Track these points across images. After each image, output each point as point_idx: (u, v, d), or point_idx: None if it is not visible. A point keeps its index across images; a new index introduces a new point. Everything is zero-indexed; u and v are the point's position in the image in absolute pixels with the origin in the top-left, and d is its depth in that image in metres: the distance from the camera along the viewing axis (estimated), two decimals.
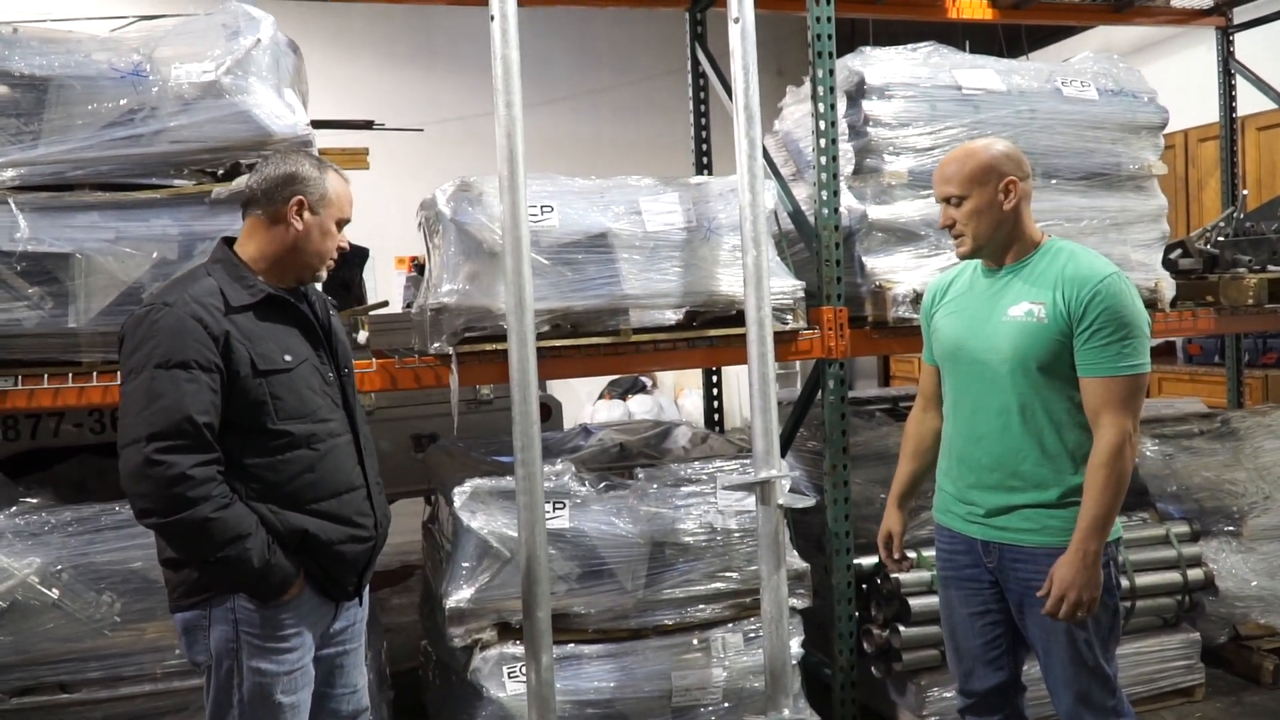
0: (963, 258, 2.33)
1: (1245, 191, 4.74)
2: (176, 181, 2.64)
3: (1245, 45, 4.96)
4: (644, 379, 9.50)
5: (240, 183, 2.45)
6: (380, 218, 5.97)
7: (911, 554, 2.58)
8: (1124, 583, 3.22)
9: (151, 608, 2.64)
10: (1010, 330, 2.20)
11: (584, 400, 9.49)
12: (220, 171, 2.66)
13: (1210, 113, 5.09)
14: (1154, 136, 3.60)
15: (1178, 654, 3.45)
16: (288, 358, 2.01)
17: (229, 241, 2.11)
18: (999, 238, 2.25)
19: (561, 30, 9.41)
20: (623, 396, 9.34)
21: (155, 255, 2.58)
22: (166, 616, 2.32)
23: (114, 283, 2.57)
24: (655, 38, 8.55)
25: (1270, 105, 4.91)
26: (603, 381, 9.38)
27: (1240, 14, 4.90)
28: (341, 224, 2.13)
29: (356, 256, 5.65)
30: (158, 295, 2.01)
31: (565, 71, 9.48)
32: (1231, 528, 3.73)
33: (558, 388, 7.49)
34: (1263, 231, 3.84)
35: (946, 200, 2.26)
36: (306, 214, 2.06)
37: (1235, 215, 3.99)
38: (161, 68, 2.60)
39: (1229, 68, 4.90)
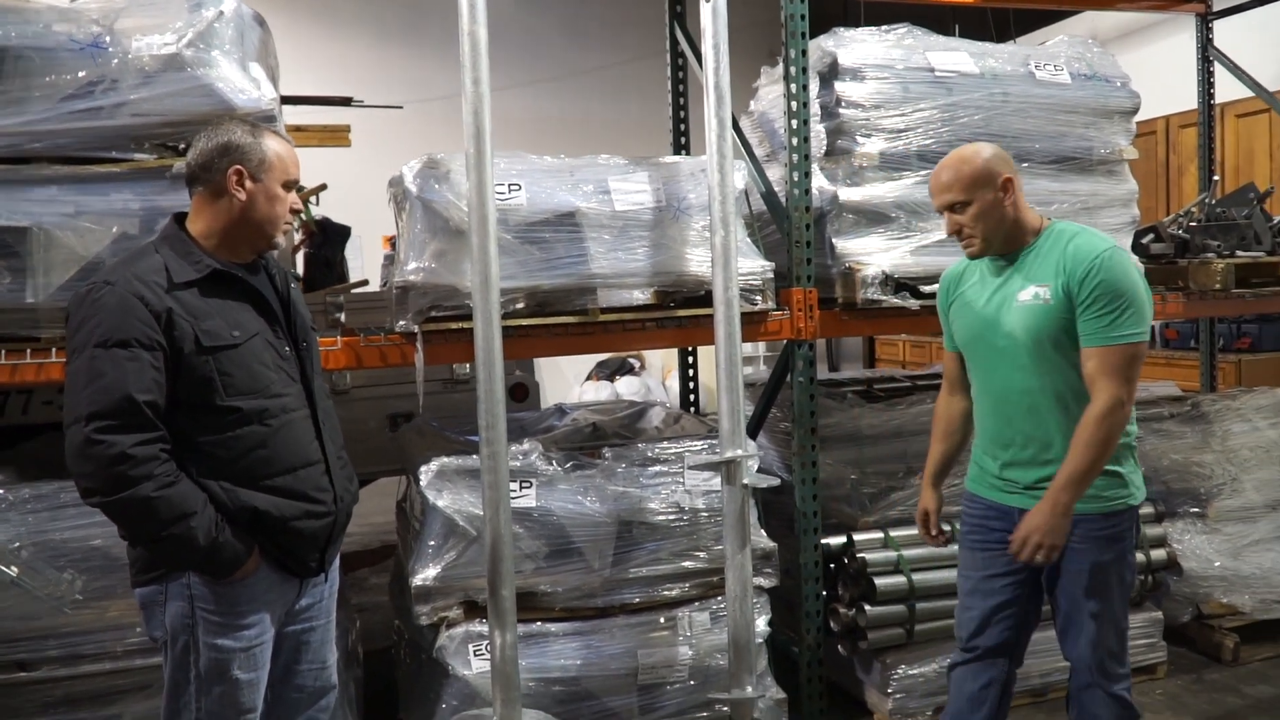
0: (973, 258, 2.43)
1: (1217, 177, 4.75)
2: (137, 155, 2.61)
3: (1225, 32, 4.96)
4: (631, 360, 9.50)
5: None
6: (368, 196, 5.94)
7: (946, 527, 2.67)
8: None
9: (112, 585, 2.63)
10: (1022, 315, 2.31)
11: (571, 382, 9.49)
12: (182, 145, 2.63)
13: (1192, 99, 5.09)
14: (1126, 121, 3.61)
15: (1140, 632, 3.48)
16: (235, 333, 1.99)
17: (181, 218, 2.08)
18: (1003, 233, 2.35)
19: (553, 9, 9.35)
20: (610, 378, 9.33)
21: (115, 230, 2.56)
22: (127, 594, 2.30)
23: (73, 257, 2.54)
24: (646, 18, 8.52)
25: (1249, 93, 4.92)
26: (590, 362, 9.37)
27: (1220, 0, 4.89)
28: (289, 186, 2.09)
29: (338, 235, 5.62)
30: (102, 273, 1.99)
31: (557, 51, 9.42)
32: (1197, 509, 3.77)
33: (544, 369, 7.46)
34: (1233, 217, 3.85)
35: (950, 208, 2.35)
36: (248, 182, 2.03)
37: (1208, 201, 3.99)
38: (122, 40, 2.57)
39: (1207, 54, 4.90)
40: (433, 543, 2.90)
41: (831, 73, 3.34)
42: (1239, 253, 3.78)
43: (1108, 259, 2.23)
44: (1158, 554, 3.49)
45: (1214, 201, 4.03)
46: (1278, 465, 3.94)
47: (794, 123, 3.21)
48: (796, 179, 3.21)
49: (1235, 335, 5.69)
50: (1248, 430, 3.97)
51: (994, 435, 2.43)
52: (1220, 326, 5.39)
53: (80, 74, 2.53)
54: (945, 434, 2.64)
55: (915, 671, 3.26)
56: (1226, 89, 5.07)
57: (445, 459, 2.94)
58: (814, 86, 3.34)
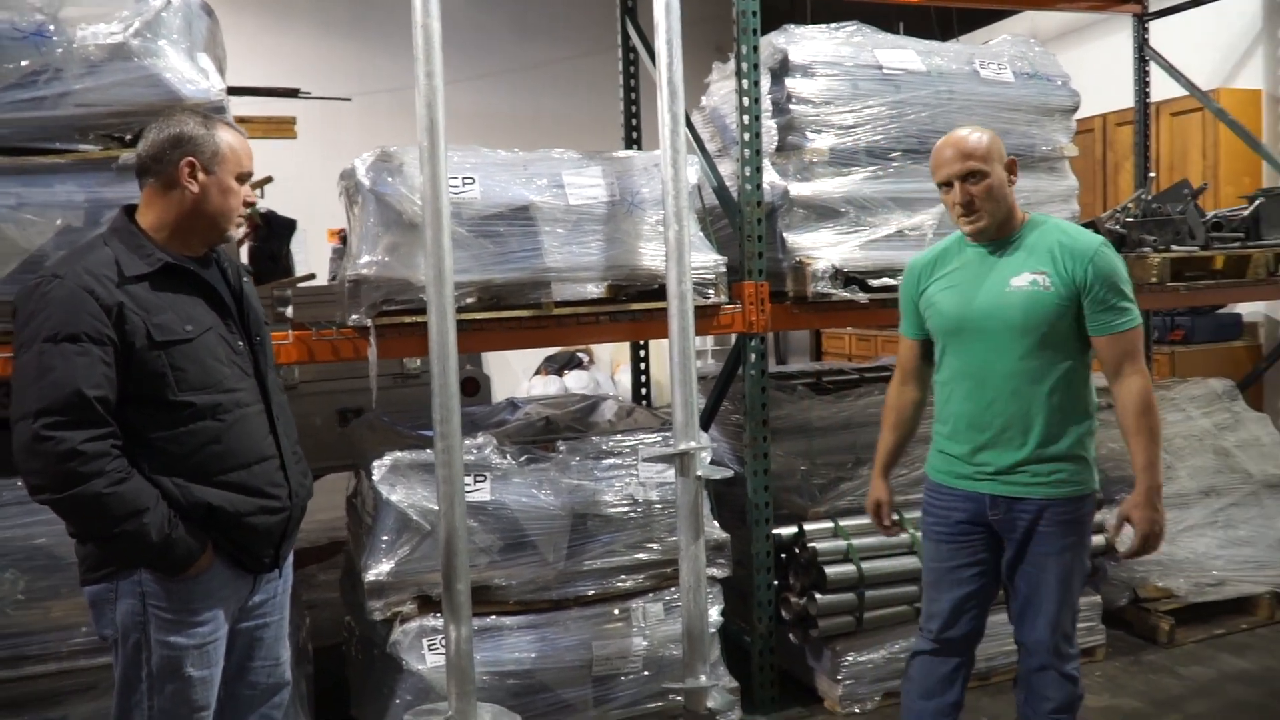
0: (974, 235, 2.43)
1: (1153, 174, 4.91)
2: (82, 146, 2.55)
3: (1161, 33, 5.12)
4: (580, 354, 9.49)
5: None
6: (313, 189, 5.85)
7: (896, 516, 2.71)
8: None
9: (56, 585, 2.58)
10: (1017, 299, 2.35)
11: (520, 376, 9.45)
12: (128, 136, 2.58)
13: (1128, 98, 5.24)
14: (1066, 119, 3.71)
15: (1079, 616, 3.58)
16: (188, 327, 1.96)
17: (130, 210, 2.05)
18: (1002, 215, 2.40)
19: (502, 4, 9.28)
20: (559, 372, 9.31)
21: (59, 222, 2.51)
22: (72, 594, 2.26)
23: (15, 250, 2.48)
24: (596, 12, 8.50)
25: (1183, 92, 5.08)
26: (538, 357, 9.35)
27: (1156, 1, 5.04)
28: (243, 178, 2.07)
29: (284, 228, 5.52)
30: (50, 267, 1.95)
31: (506, 45, 9.35)
32: None
33: (493, 363, 7.44)
34: (1168, 213, 3.97)
35: (964, 177, 2.35)
36: (201, 174, 2.00)
37: (1143, 197, 4.12)
38: (67, 28, 2.51)
39: (1144, 54, 5.05)
40: (386, 538, 2.89)
41: (782, 69, 3.39)
42: (1174, 247, 3.91)
43: (1104, 252, 2.34)
44: (1096, 539, 3.59)
45: (1150, 198, 4.16)
46: (1210, 453, 4.09)
47: (745, 118, 3.25)
48: (748, 174, 3.25)
49: (1169, 327, 5.85)
50: (1182, 420, 4.11)
51: (970, 419, 2.43)
52: (1155, 319, 5.55)
53: (23, 63, 2.46)
54: (897, 424, 2.67)
55: (865, 658, 3.33)
56: (1162, 88, 5.23)
57: (398, 454, 2.93)
58: (765, 82, 3.38)
